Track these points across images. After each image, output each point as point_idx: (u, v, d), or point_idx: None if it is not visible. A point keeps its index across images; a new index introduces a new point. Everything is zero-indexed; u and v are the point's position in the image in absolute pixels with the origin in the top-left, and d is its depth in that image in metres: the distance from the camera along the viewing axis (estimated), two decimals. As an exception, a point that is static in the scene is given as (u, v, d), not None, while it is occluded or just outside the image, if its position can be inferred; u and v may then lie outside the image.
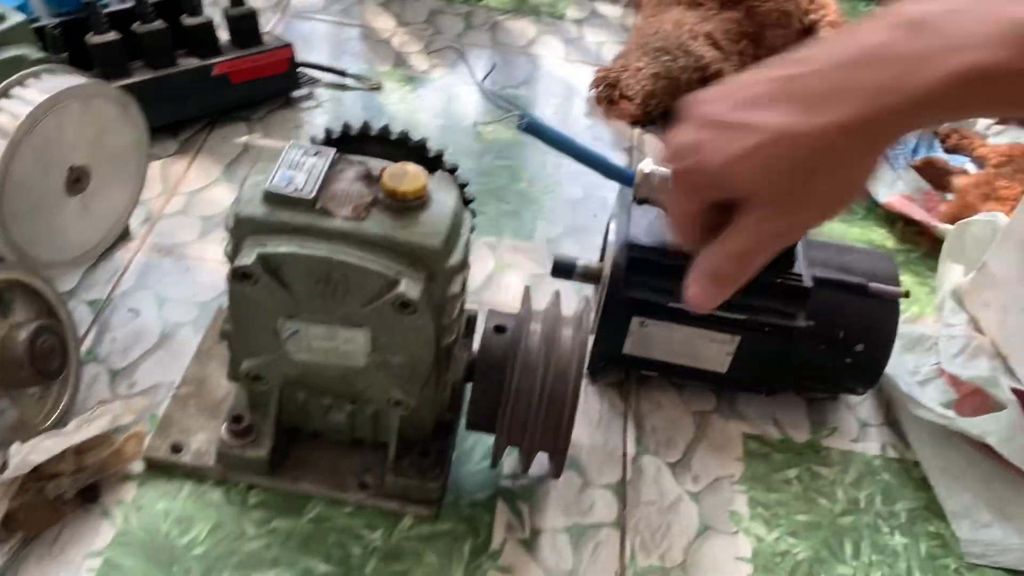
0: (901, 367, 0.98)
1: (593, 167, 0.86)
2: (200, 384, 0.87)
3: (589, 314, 0.78)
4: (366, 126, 0.77)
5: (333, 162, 0.68)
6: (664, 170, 0.85)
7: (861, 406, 0.98)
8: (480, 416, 0.77)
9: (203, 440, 0.82)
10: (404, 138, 0.78)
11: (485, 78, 0.82)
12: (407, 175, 0.66)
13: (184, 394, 0.86)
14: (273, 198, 0.66)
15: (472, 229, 0.83)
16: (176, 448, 0.81)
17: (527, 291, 0.80)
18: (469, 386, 0.78)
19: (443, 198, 0.69)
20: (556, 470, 0.78)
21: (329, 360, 0.71)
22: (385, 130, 0.78)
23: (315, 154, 0.68)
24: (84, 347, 0.90)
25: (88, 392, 0.86)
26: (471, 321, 0.81)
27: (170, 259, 1.01)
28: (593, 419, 0.92)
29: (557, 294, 0.80)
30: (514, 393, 0.74)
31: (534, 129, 0.84)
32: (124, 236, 1.02)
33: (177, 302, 0.97)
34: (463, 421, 0.81)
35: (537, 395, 0.73)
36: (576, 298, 1.05)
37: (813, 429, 0.95)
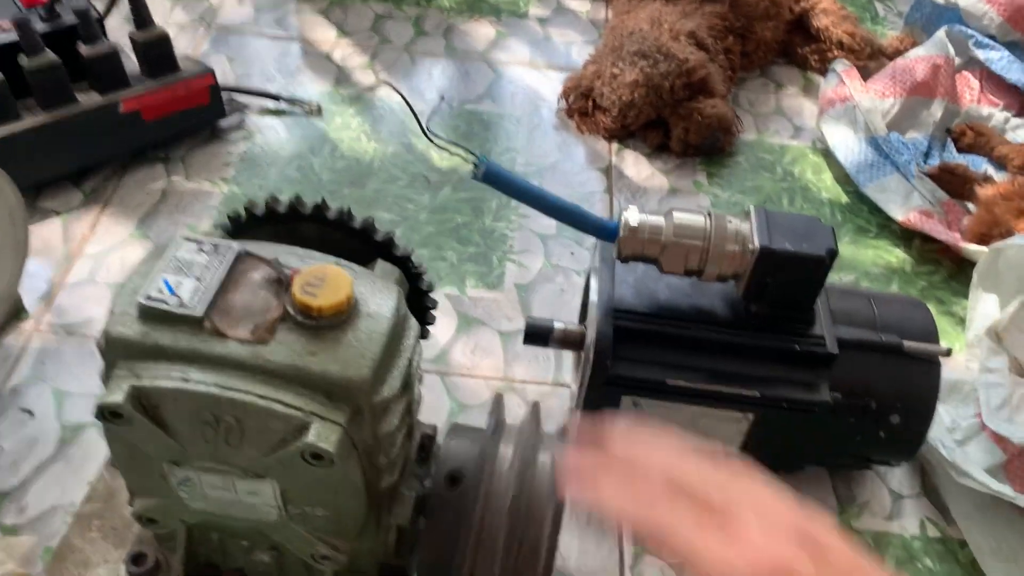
0: (937, 424, 0.83)
1: (566, 220, 0.71)
2: (109, 499, 0.72)
3: (573, 425, 0.62)
4: (297, 201, 0.62)
5: (235, 261, 0.53)
6: (657, 220, 0.70)
7: (892, 473, 0.84)
8: (432, 566, 0.61)
9: (104, 577, 0.67)
10: (344, 217, 0.62)
11: (431, 118, 0.66)
12: (326, 283, 0.50)
13: (88, 512, 0.71)
14: (151, 313, 0.50)
15: (424, 336, 0.67)
16: (70, 595, 0.66)
17: (497, 401, 0.63)
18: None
19: (377, 307, 0.52)
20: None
21: (232, 512, 0.56)
22: (322, 207, 0.62)
23: (212, 250, 0.53)
24: (-38, 466, 0.75)
25: (-36, 527, 0.71)
26: (428, 441, 0.65)
27: (72, 341, 0.85)
28: (582, 516, 0.77)
29: (536, 408, 0.63)
30: (474, 544, 0.58)
31: (493, 179, 0.69)
32: (16, 315, 0.86)
33: (80, 397, 0.81)
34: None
35: (503, 547, 0.58)
36: (553, 359, 0.90)
37: (841, 507, 0.80)
